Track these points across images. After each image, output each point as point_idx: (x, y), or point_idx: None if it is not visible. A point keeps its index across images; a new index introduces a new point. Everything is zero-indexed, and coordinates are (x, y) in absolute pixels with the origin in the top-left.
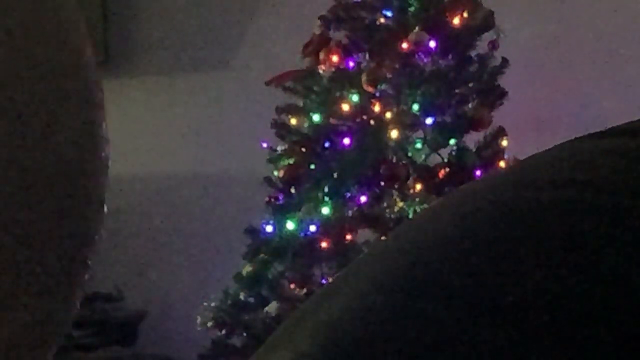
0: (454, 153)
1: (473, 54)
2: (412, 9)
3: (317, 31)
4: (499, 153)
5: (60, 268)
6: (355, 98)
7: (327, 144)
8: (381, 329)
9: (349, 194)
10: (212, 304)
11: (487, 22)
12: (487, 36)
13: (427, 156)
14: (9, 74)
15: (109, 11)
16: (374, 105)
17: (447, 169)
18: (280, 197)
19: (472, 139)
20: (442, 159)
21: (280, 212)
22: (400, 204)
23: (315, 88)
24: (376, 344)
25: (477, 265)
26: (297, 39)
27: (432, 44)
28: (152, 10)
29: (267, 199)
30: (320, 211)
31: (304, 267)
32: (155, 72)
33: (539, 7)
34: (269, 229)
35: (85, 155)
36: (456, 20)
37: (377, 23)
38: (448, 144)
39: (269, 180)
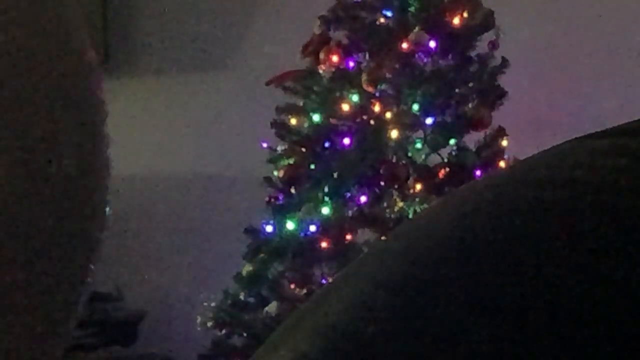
0: (454, 153)
1: (473, 54)
2: (412, 9)
3: (317, 31)
4: (499, 153)
5: (60, 269)
6: (355, 98)
7: (327, 144)
8: (381, 329)
9: (349, 194)
10: (212, 304)
11: (487, 22)
12: (487, 36)
13: (427, 156)
14: (7, 75)
15: (109, 11)
16: (374, 105)
17: (447, 169)
18: (280, 197)
19: (472, 139)
20: (442, 159)
21: (280, 212)
22: (400, 204)
23: (315, 88)
24: (376, 344)
25: (477, 265)
26: (297, 39)
27: (432, 44)
28: (152, 10)
29: (267, 199)
30: (320, 211)
31: (304, 267)
32: (155, 72)
33: (539, 7)
34: (269, 229)
35: (87, 156)
36: (456, 20)
37: (377, 23)
38: (448, 144)
39: (269, 180)
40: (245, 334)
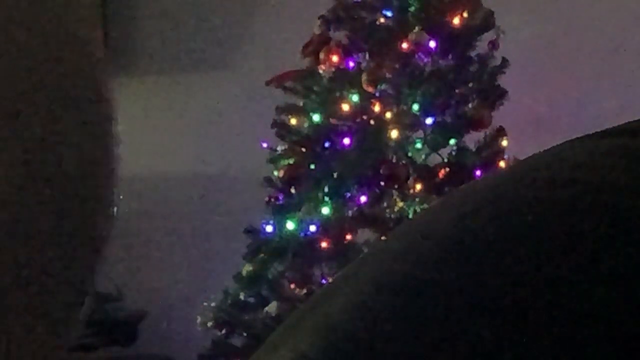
0: (454, 153)
1: (473, 54)
2: (412, 9)
3: (317, 31)
4: (499, 153)
5: (61, 269)
6: (355, 98)
7: (327, 144)
8: (381, 329)
9: (349, 194)
10: (212, 304)
11: (487, 22)
12: (487, 36)
13: (427, 156)
14: (10, 69)
15: (109, 11)
16: (374, 105)
17: (447, 169)
18: (280, 197)
19: (472, 139)
20: (442, 159)
21: (280, 212)
22: (400, 204)
23: (315, 88)
24: (376, 344)
25: (477, 265)
26: (297, 39)
27: (432, 44)
28: (152, 10)
29: (267, 199)
30: (320, 211)
31: (304, 267)
32: (155, 72)
33: (539, 7)
34: (269, 229)
35: (89, 155)
36: (456, 20)
37: (377, 23)
38: (448, 144)
39: (269, 180)
40: (245, 334)
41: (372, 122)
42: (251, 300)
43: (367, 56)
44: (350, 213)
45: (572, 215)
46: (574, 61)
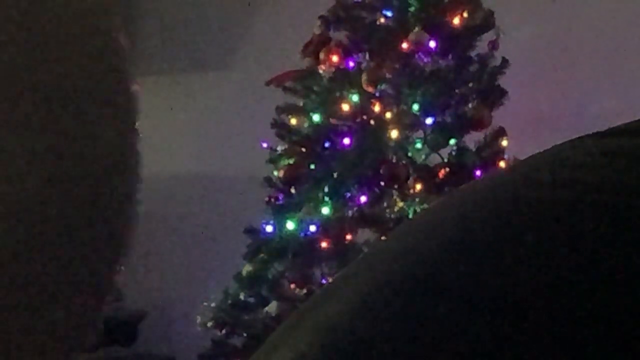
0: (454, 153)
1: (473, 54)
2: (412, 9)
3: (317, 31)
4: (499, 153)
5: (83, 267)
6: (355, 98)
7: (327, 144)
8: (381, 329)
9: (349, 194)
10: (212, 304)
11: (487, 22)
12: (487, 36)
13: (427, 156)
14: (38, 64)
15: None
16: (374, 105)
17: (447, 169)
18: (280, 197)
19: (472, 139)
20: (442, 159)
21: (280, 212)
22: (400, 204)
23: (315, 88)
24: (376, 344)
25: (477, 265)
26: (297, 39)
27: (432, 44)
28: (152, 10)
29: (267, 199)
30: (320, 211)
31: (304, 267)
32: (155, 72)
33: (539, 7)
34: (269, 229)
35: (119, 151)
36: (456, 20)
37: (377, 23)
38: (448, 144)
39: (269, 180)
40: (245, 334)
41: (372, 122)
42: (251, 300)
43: (367, 56)
44: (350, 213)
45: (572, 215)
46: (574, 61)
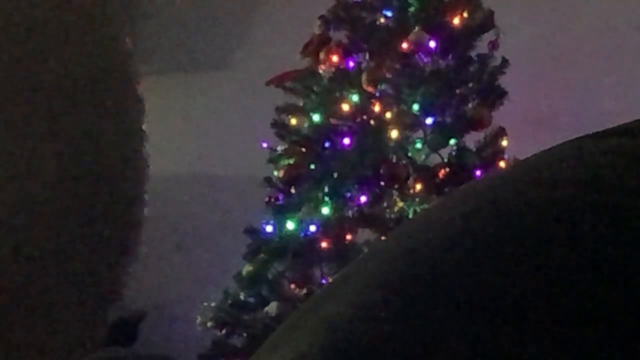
0: (454, 153)
1: (473, 54)
2: (412, 9)
3: (317, 31)
4: (499, 153)
5: (90, 268)
6: (355, 98)
7: (327, 144)
8: (381, 329)
9: (349, 194)
10: (212, 304)
11: (487, 22)
12: (487, 36)
13: (427, 156)
14: (47, 69)
15: None
16: (374, 105)
17: (447, 169)
18: (280, 197)
19: (472, 139)
20: (442, 159)
21: (280, 212)
22: (400, 204)
23: (315, 88)
24: (376, 344)
25: (477, 265)
26: (297, 39)
27: (432, 44)
28: (152, 10)
29: (267, 199)
30: (320, 211)
31: (304, 267)
32: (156, 72)
33: (539, 7)
34: (269, 229)
35: (128, 152)
36: (456, 20)
37: (377, 23)
38: (448, 144)
39: (269, 180)
40: (245, 334)
41: (372, 122)
42: (251, 300)
43: (367, 56)
44: (350, 213)
45: (572, 215)
46: (574, 61)
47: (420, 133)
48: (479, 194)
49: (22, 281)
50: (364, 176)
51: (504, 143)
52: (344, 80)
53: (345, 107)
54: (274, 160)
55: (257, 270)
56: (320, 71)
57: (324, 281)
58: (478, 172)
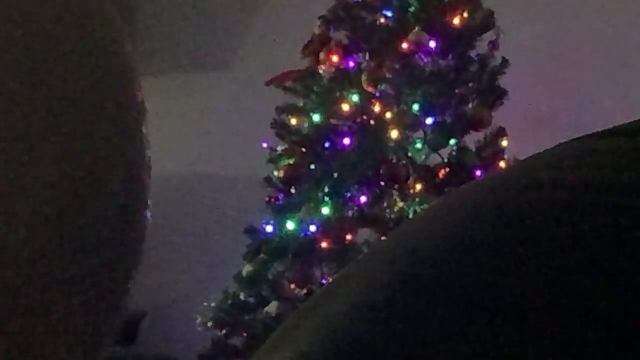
0: (454, 153)
1: (473, 54)
2: (412, 9)
3: (317, 31)
4: (499, 153)
5: (92, 274)
6: (355, 98)
7: (327, 144)
8: (381, 329)
9: (349, 194)
10: (212, 304)
11: (487, 22)
12: (487, 36)
13: (427, 156)
14: (45, 68)
15: None
16: (374, 105)
17: (447, 169)
18: (280, 197)
19: (472, 139)
20: (442, 159)
21: (280, 212)
22: (400, 204)
23: (315, 88)
24: (376, 344)
25: (477, 265)
26: (297, 39)
27: (432, 44)
28: (152, 10)
29: (267, 199)
30: (320, 211)
31: (304, 267)
32: (156, 72)
33: (539, 7)
34: (269, 229)
35: (130, 160)
36: (456, 20)
37: (377, 23)
38: (448, 144)
39: (269, 180)
40: (245, 334)
41: (372, 122)
42: (251, 300)
43: (367, 56)
44: (350, 213)
45: (572, 216)
46: (574, 61)
47: (420, 133)
48: (479, 194)
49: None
50: (364, 176)
51: (504, 143)
52: (344, 80)
53: (345, 107)
54: (274, 160)
55: (257, 270)
56: (320, 71)
57: (324, 281)
58: (478, 172)
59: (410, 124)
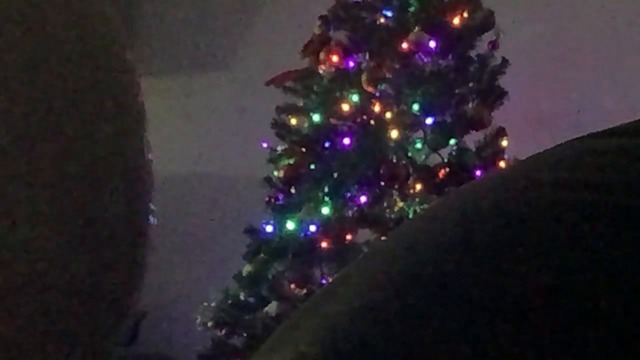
0: (454, 153)
1: (473, 54)
2: (412, 9)
3: (317, 31)
4: (499, 153)
5: (94, 279)
6: (355, 98)
7: (327, 144)
8: (381, 329)
9: (349, 194)
10: (212, 304)
11: (487, 22)
12: (487, 36)
13: (427, 156)
14: (44, 70)
15: None
16: (374, 105)
17: (447, 169)
18: (280, 197)
19: (472, 139)
20: (442, 159)
21: (280, 212)
22: (400, 204)
23: (315, 88)
24: (376, 344)
25: (477, 265)
26: (297, 39)
27: (432, 44)
28: (152, 10)
29: (267, 199)
30: (320, 211)
31: (304, 267)
32: (156, 72)
33: (539, 7)
34: (269, 229)
35: (131, 164)
36: (456, 20)
37: (377, 23)
38: (448, 144)
39: (269, 180)
40: (245, 334)
41: (372, 122)
42: (251, 300)
43: (367, 56)
44: (350, 213)
45: (573, 216)
46: (574, 61)
47: (420, 133)
48: (479, 194)
49: (22, 282)
50: (364, 176)
51: (504, 143)
52: (344, 80)
53: (345, 107)
54: (274, 160)
55: (257, 270)
56: (320, 71)
57: (324, 281)
58: (478, 172)
59: (410, 124)
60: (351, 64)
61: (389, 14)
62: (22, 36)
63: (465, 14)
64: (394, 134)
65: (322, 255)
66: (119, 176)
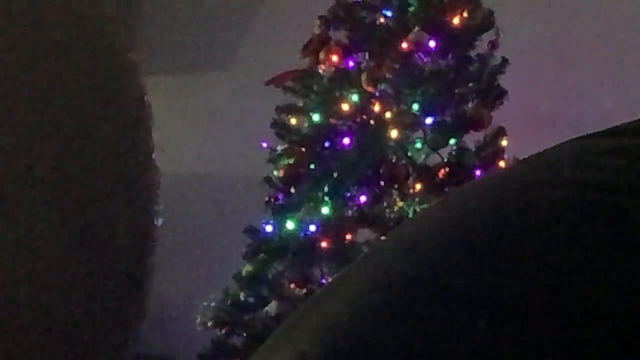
0: (454, 153)
1: (473, 54)
2: (412, 9)
3: (317, 31)
4: (499, 153)
5: (99, 282)
6: (355, 98)
7: (327, 144)
8: (381, 329)
9: (349, 194)
10: (212, 304)
11: (487, 22)
12: (487, 36)
13: (427, 156)
14: (48, 70)
15: None
16: (374, 105)
17: (447, 169)
18: (280, 197)
19: (472, 139)
20: (442, 159)
21: (280, 212)
22: (400, 204)
23: (315, 88)
24: (376, 344)
25: (477, 265)
26: (297, 39)
27: (432, 44)
28: (152, 10)
29: (267, 199)
30: (320, 211)
31: (304, 267)
32: (156, 72)
33: (539, 7)
34: (269, 229)
35: (138, 163)
36: (456, 20)
37: (377, 23)
38: (448, 144)
39: (269, 180)
40: (245, 334)
41: (372, 122)
42: (251, 300)
43: (367, 56)
44: (350, 213)
45: (572, 216)
46: (574, 61)
47: (420, 133)
48: (479, 194)
49: (22, 282)
50: (364, 176)
51: (504, 143)
52: (344, 80)
53: (345, 107)
54: (274, 160)
55: (257, 270)
56: (320, 71)
57: (324, 281)
58: (478, 172)
59: (410, 124)
60: (351, 64)
61: (389, 14)
62: (22, 36)
63: (465, 14)
64: (394, 134)
65: (322, 255)
66: (119, 176)
